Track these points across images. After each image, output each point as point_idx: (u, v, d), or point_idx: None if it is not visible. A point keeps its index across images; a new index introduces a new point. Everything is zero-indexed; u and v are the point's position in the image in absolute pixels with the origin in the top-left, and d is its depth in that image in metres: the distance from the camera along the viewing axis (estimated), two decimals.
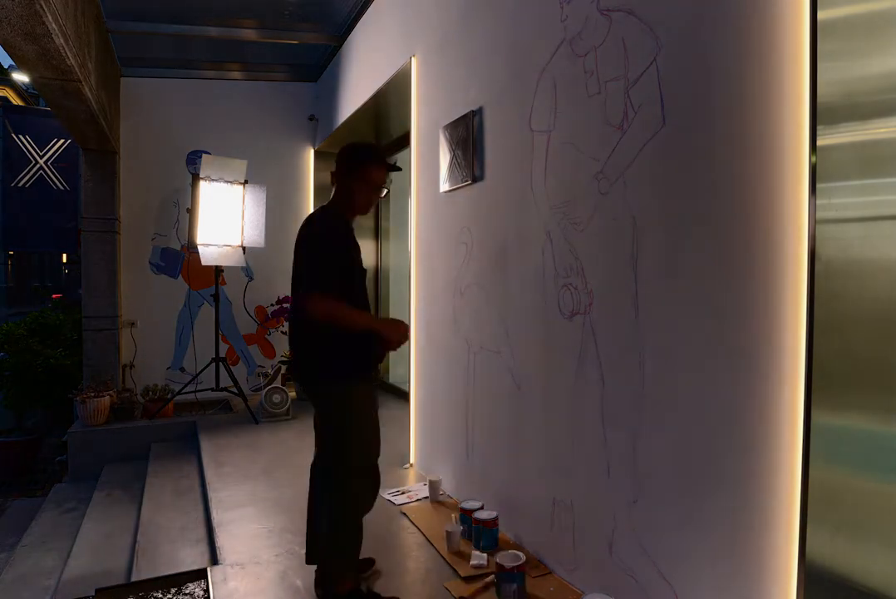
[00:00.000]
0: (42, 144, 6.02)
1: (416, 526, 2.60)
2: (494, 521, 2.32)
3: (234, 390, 4.63)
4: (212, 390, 4.63)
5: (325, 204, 2.09)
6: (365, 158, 2.03)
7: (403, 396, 4.63)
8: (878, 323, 1.20)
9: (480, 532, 2.30)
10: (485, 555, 2.24)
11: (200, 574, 2.28)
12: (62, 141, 6.03)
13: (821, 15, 1.26)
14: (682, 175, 1.61)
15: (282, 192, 5.50)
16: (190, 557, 2.61)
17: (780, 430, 1.35)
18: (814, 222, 1.27)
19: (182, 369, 5.18)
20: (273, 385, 4.67)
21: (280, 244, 5.45)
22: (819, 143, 1.26)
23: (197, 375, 4.69)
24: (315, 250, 1.90)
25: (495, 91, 2.54)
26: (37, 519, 3.58)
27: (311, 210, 5.60)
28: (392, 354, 5.54)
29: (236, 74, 5.40)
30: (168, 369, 5.18)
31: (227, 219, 4.70)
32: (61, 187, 6.02)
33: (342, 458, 1.95)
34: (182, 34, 4.50)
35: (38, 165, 5.97)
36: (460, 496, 2.82)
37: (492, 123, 2.58)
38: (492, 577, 2.08)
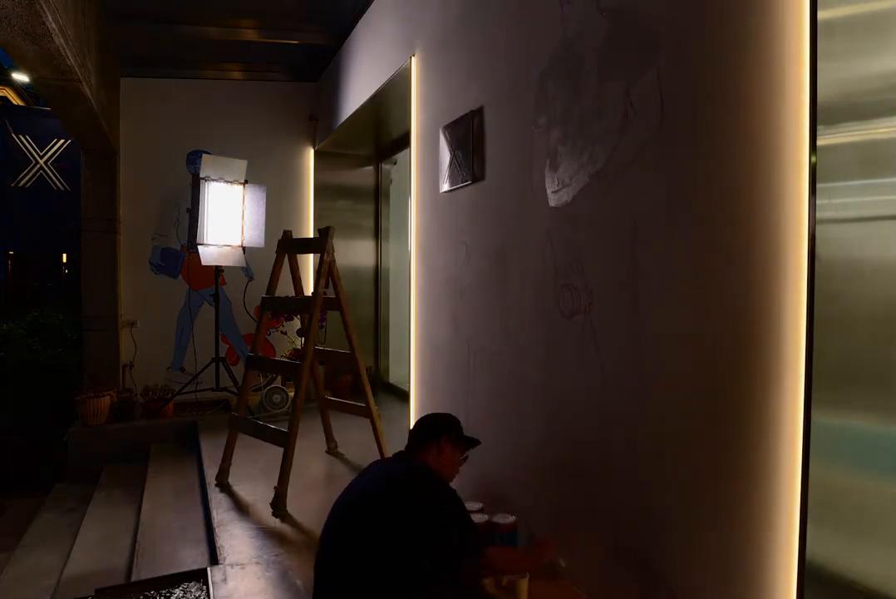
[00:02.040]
0: (42, 144, 6.02)
1: None
2: (485, 525, 2.24)
3: (234, 390, 4.63)
4: (212, 390, 4.63)
5: (414, 461, 1.92)
6: (460, 434, 2.03)
7: (403, 396, 4.63)
8: (877, 323, 1.20)
9: None
10: None
11: (200, 574, 2.28)
12: (62, 141, 6.03)
13: (821, 15, 1.26)
14: (682, 175, 1.61)
15: (282, 192, 5.49)
16: (190, 557, 2.61)
17: (780, 430, 1.35)
18: (814, 222, 1.27)
19: (182, 370, 5.18)
20: (273, 385, 4.67)
21: None
22: (819, 143, 1.26)
23: (197, 375, 4.69)
24: (453, 512, 1.78)
25: (495, 91, 2.54)
26: (37, 519, 3.59)
27: (312, 210, 5.63)
28: (392, 354, 5.58)
29: (236, 74, 5.39)
30: (168, 369, 5.17)
31: (227, 219, 4.70)
32: (61, 187, 6.03)
33: None
34: (182, 34, 4.50)
35: (38, 166, 5.97)
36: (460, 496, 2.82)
37: (492, 123, 2.58)
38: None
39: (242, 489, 3.12)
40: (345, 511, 1.75)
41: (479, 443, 2.11)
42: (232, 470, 3.43)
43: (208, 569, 2.28)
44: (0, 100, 8.65)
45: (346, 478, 3.25)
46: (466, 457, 2.06)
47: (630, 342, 1.80)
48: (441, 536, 1.68)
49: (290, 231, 3.53)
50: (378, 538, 1.63)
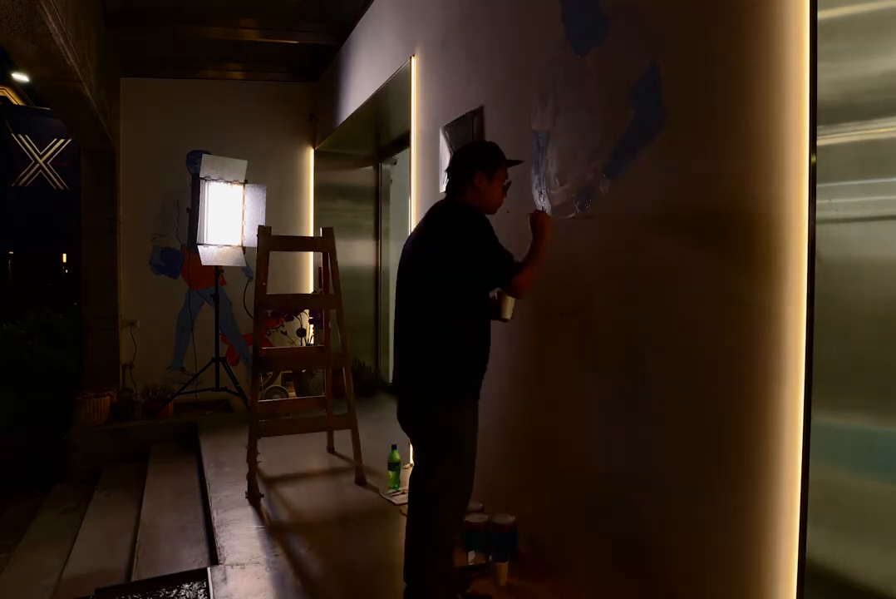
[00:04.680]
0: (42, 143, 6.01)
1: None
2: (485, 525, 2.23)
3: (234, 390, 4.63)
4: (212, 390, 4.63)
5: (452, 203, 1.95)
6: (497, 160, 1.96)
7: None
8: (877, 323, 1.20)
9: (473, 536, 2.24)
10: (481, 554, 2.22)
11: (200, 574, 2.28)
12: (62, 141, 6.02)
13: (821, 15, 1.26)
14: (682, 175, 1.61)
15: (282, 192, 5.49)
16: (190, 557, 2.61)
17: (781, 430, 1.35)
18: (814, 222, 1.27)
19: (182, 369, 5.18)
20: (273, 385, 4.67)
21: None
22: (819, 143, 1.26)
23: (197, 375, 4.69)
24: (481, 241, 1.84)
25: (495, 91, 2.54)
26: (37, 519, 3.58)
27: (312, 210, 5.63)
28: (392, 353, 5.57)
29: (236, 74, 5.40)
30: (168, 369, 5.17)
31: (227, 219, 4.70)
32: (61, 187, 6.02)
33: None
34: (182, 34, 4.50)
35: (37, 165, 5.96)
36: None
37: (492, 123, 2.58)
38: None
39: (242, 489, 3.12)
40: (401, 266, 2.12)
41: (521, 162, 2.05)
42: (232, 470, 3.44)
43: (208, 569, 2.28)
44: (0, 100, 8.63)
45: (347, 476, 3.25)
46: (510, 182, 2.00)
47: (630, 342, 1.79)
48: (467, 263, 1.83)
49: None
50: (419, 275, 1.97)
